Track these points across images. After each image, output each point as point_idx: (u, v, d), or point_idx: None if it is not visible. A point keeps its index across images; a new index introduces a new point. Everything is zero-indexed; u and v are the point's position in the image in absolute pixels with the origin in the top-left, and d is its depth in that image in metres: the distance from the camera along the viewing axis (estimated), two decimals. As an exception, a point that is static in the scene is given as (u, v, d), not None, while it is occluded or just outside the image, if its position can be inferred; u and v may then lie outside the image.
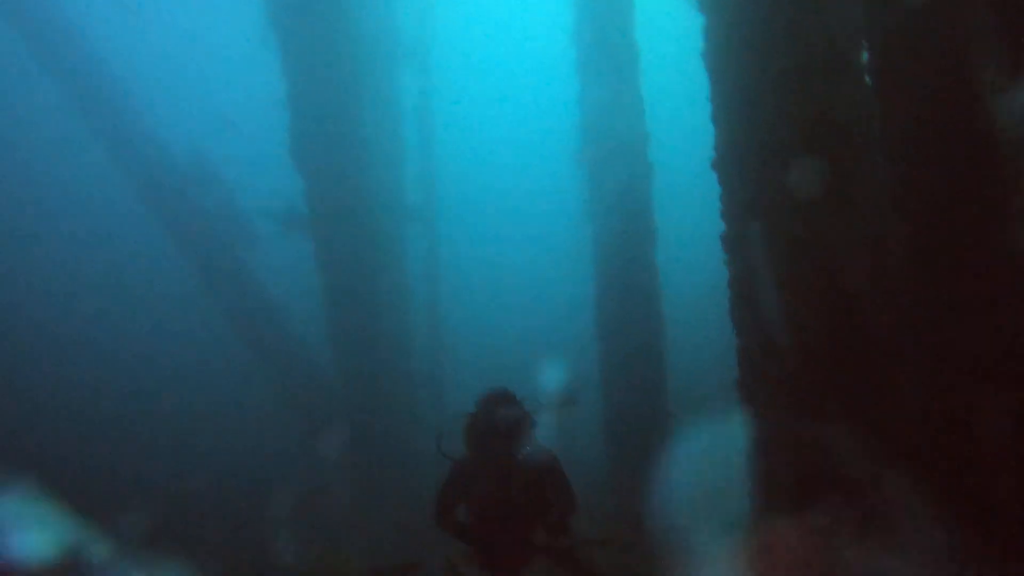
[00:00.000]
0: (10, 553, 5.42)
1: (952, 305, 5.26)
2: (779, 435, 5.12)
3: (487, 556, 4.39)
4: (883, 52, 5.77)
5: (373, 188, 11.14)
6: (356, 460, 10.42)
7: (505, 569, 4.37)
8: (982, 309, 4.83)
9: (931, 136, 5.57)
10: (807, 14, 5.13)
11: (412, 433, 10.91)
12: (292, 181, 10.45)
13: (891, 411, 4.90)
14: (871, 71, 5.55)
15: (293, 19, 10.32)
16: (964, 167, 5.53)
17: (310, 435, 11.24)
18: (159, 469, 10.89)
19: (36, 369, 14.29)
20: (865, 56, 5.59)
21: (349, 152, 10.71)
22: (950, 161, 5.52)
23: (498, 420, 4.22)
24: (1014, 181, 5.31)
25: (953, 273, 5.38)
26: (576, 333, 11.31)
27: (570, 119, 10.03)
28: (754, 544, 5.26)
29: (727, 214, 5.49)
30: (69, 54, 11.59)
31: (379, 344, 11.10)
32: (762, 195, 5.20)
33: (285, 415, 11.48)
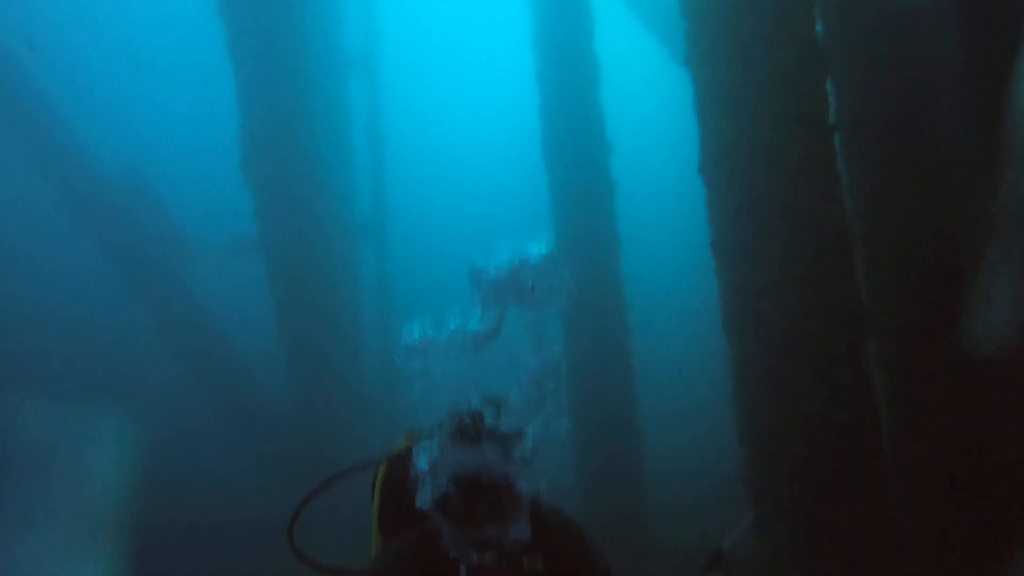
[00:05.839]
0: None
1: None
2: (771, 438, 5.00)
3: None
4: (851, 58, 5.90)
5: (324, 204, 10.77)
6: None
7: None
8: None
9: (895, 139, 5.72)
10: (791, 15, 5.11)
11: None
12: (242, 199, 9.99)
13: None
14: (838, 74, 5.64)
15: (242, 32, 9.92)
16: (925, 171, 5.68)
17: (262, 461, 10.69)
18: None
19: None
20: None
21: (300, 168, 10.33)
22: (913, 163, 5.66)
23: (472, 473, 2.10)
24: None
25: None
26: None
27: (529, 129, 9.88)
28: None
29: (716, 220, 5.38)
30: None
31: (331, 367, 10.69)
32: (752, 199, 5.12)
33: (236, 440, 10.88)
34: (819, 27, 5.33)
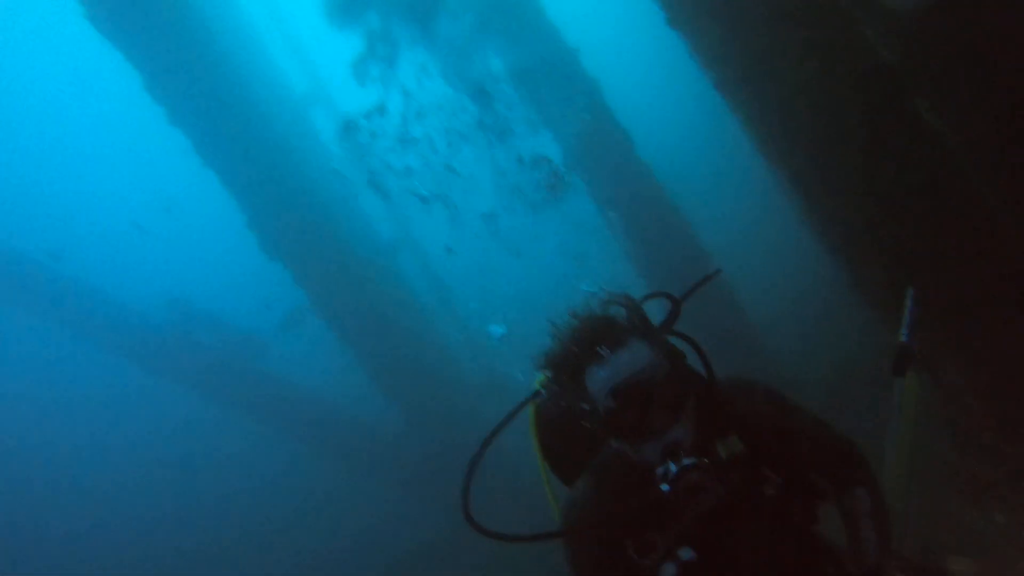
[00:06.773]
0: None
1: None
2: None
3: None
4: None
5: (351, 245, 10.73)
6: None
7: None
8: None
9: None
10: None
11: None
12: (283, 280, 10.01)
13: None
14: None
15: (195, 115, 9.54)
16: None
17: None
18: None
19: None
20: None
21: (313, 222, 10.21)
22: None
23: (626, 380, 1.82)
24: None
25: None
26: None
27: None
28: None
29: (712, 61, 5.06)
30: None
31: (428, 382, 10.70)
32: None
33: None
34: None
